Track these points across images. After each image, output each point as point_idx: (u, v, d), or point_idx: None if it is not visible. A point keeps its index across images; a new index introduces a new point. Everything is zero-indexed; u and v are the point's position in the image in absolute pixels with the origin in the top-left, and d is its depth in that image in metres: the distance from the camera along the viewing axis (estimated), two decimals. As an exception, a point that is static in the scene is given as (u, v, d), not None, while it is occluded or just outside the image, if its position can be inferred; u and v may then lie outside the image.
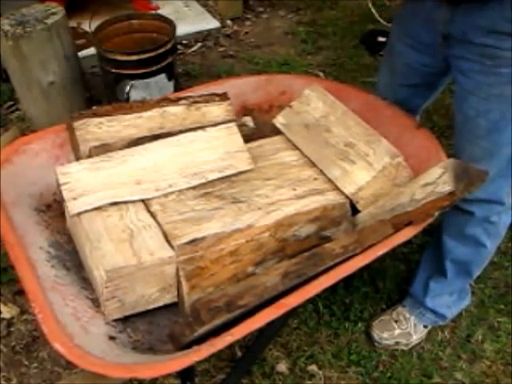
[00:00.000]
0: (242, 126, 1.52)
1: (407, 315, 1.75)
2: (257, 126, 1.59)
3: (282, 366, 1.67)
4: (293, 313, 1.60)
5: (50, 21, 2.13)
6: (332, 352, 1.71)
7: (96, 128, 1.44)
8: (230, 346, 1.61)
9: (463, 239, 1.56)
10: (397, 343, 1.72)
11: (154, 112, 1.50)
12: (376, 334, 1.73)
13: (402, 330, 1.73)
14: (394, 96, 1.57)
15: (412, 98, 1.58)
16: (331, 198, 1.40)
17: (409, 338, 1.73)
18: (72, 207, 1.29)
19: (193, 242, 1.24)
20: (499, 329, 1.80)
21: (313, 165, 1.49)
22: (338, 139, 1.48)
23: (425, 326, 1.75)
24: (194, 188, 1.39)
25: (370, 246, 1.24)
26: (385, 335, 1.72)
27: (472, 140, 1.40)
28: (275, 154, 1.53)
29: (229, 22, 3.26)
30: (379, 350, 1.73)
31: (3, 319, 1.78)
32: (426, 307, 1.71)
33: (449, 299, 1.71)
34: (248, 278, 1.24)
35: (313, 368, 1.68)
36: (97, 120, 1.44)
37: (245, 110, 1.69)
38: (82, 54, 2.57)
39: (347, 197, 1.40)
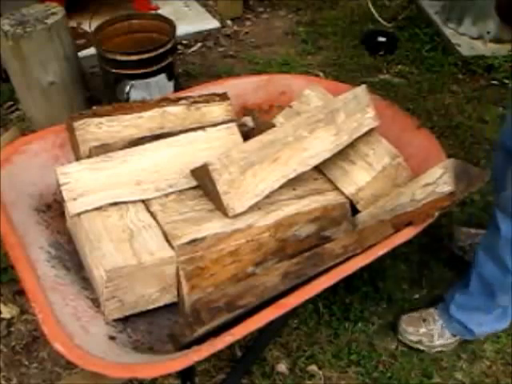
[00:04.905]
0: (241, 126, 1.52)
1: (436, 317, 1.71)
2: (257, 126, 1.59)
3: (282, 366, 1.67)
4: (293, 313, 1.60)
5: (49, 21, 2.12)
6: (332, 352, 1.71)
7: (96, 128, 1.44)
8: (230, 346, 1.61)
9: (493, 257, 1.50)
10: (419, 341, 1.69)
11: (154, 112, 1.50)
12: (402, 326, 1.70)
13: (427, 329, 1.70)
14: None
15: None
16: (331, 198, 1.40)
17: (432, 339, 1.69)
18: (72, 207, 1.29)
19: (193, 242, 1.24)
20: (499, 329, 1.80)
21: (313, 165, 1.49)
22: (338, 139, 1.48)
23: (453, 335, 1.71)
24: (194, 188, 1.39)
25: (370, 246, 1.24)
26: (410, 329, 1.69)
27: None
28: (275, 154, 1.53)
29: (229, 22, 3.26)
30: (380, 349, 1.73)
31: (3, 319, 1.78)
32: (451, 315, 1.68)
33: (481, 317, 1.65)
34: (248, 278, 1.24)
35: (313, 368, 1.68)
36: (97, 120, 1.44)
37: (245, 110, 1.69)
38: (82, 54, 2.57)
39: (347, 197, 1.40)
